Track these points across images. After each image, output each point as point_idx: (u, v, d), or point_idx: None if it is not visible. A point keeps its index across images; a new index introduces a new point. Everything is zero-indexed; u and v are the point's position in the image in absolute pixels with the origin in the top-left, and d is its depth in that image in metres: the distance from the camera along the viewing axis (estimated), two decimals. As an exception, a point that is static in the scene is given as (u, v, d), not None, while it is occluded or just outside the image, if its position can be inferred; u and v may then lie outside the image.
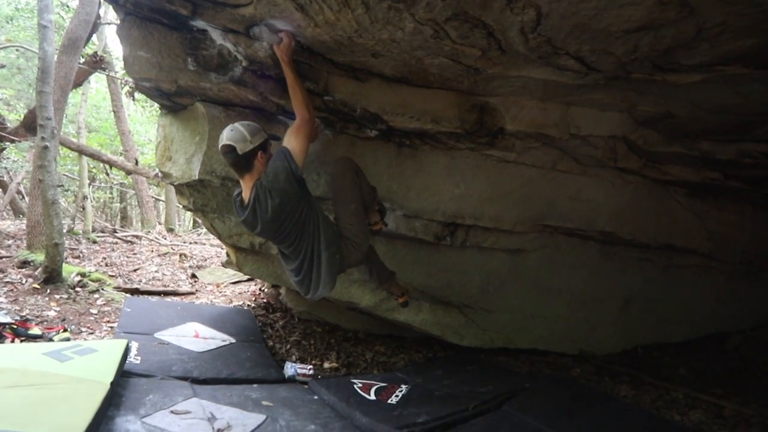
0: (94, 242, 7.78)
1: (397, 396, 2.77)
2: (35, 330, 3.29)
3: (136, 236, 9.06)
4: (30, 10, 7.97)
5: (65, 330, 3.43)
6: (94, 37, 8.22)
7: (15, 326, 3.21)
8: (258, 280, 5.50)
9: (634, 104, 2.58)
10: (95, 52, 7.57)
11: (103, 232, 9.26)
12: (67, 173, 11.25)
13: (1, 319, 3.18)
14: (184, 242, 9.28)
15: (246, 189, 2.12)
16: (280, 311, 4.61)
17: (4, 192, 9.48)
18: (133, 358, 2.85)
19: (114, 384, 2.16)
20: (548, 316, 3.92)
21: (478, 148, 2.94)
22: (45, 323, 3.60)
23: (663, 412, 2.90)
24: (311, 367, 3.29)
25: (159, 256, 7.44)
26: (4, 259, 5.16)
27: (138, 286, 5.29)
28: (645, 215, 3.60)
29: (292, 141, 2.07)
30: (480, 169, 3.05)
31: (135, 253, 7.48)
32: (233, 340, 3.56)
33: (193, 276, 6.32)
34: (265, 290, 5.30)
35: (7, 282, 4.41)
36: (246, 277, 5.72)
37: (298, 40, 2.07)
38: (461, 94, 2.60)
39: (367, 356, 3.86)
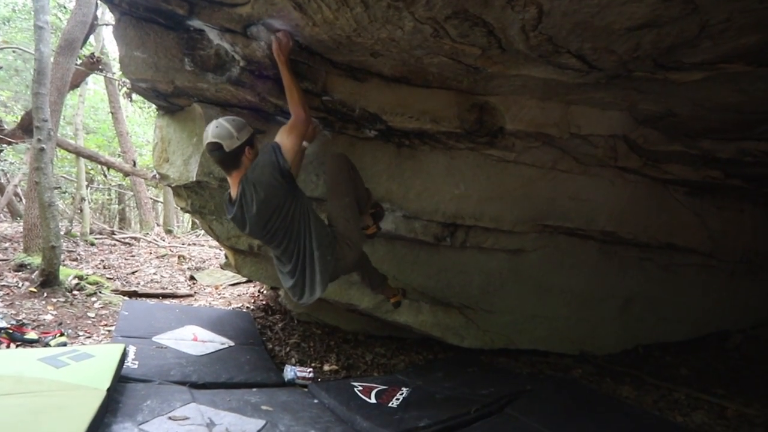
0: (92, 244, 7.74)
1: (398, 399, 2.74)
2: (31, 334, 3.26)
3: (135, 238, 9.02)
4: (27, 11, 7.93)
5: (62, 334, 3.40)
6: (92, 39, 8.19)
7: (11, 331, 3.17)
8: (257, 282, 5.47)
9: (635, 103, 2.56)
10: (92, 54, 7.53)
11: (101, 234, 9.22)
12: (65, 175, 11.20)
13: (-3, 323, 3.14)
14: (183, 244, 9.24)
15: (233, 186, 2.06)
16: (279, 313, 4.58)
17: (2, 194, 9.43)
18: (131, 363, 2.81)
19: (110, 390, 2.12)
20: (549, 317, 3.90)
21: (478, 147, 2.92)
22: (41, 327, 3.56)
23: (666, 414, 2.88)
24: (311, 369, 3.26)
25: (157, 258, 7.40)
26: (0, 263, 5.12)
27: (136, 289, 5.26)
28: (645, 214, 3.59)
29: (283, 137, 2.01)
30: (480, 169, 3.03)
31: (133, 255, 7.44)
32: (232, 344, 3.53)
33: (192, 278, 6.28)
34: (264, 292, 5.27)
35: (3, 285, 4.37)
36: (245, 279, 5.69)
37: (297, 40, 2.05)
38: (461, 94, 2.58)
39: (367, 358, 3.83)
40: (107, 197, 14.66)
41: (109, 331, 3.75)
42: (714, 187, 3.56)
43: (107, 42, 10.23)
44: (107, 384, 2.12)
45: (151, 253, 7.78)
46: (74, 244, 7.39)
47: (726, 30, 1.54)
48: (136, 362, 2.87)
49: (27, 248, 5.27)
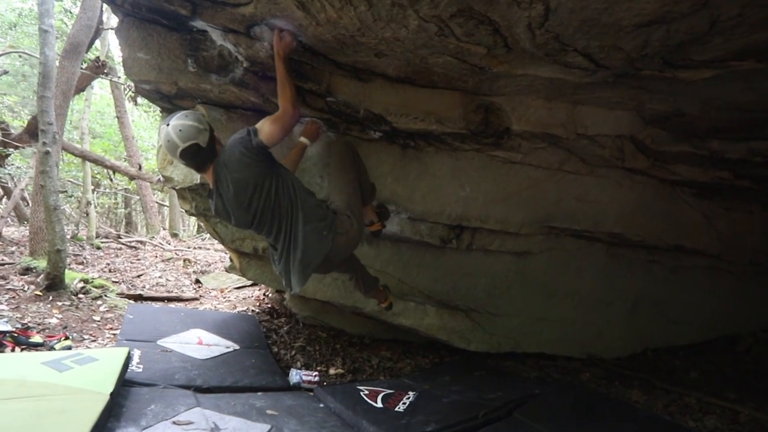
0: (98, 248, 7.77)
1: (404, 403, 2.71)
2: (36, 338, 3.25)
3: (140, 242, 9.05)
4: (33, 16, 7.99)
5: (67, 338, 3.39)
6: (97, 43, 8.24)
7: (15, 334, 3.17)
8: (262, 285, 5.46)
9: (643, 102, 2.52)
10: (98, 58, 7.58)
11: (107, 237, 9.26)
12: (71, 179, 11.27)
13: (2, 327, 3.14)
14: (188, 247, 9.26)
15: (209, 176, 1.96)
16: (284, 316, 4.57)
17: (9, 198, 9.49)
18: (135, 367, 2.80)
19: (114, 395, 2.11)
20: (556, 320, 3.86)
21: (484, 149, 2.89)
22: (46, 331, 3.56)
23: (677, 418, 2.82)
24: (317, 373, 3.24)
25: (163, 261, 7.42)
26: (6, 266, 5.15)
27: (141, 292, 5.27)
28: (653, 216, 3.54)
29: (264, 124, 1.91)
30: (485, 170, 3.00)
31: (139, 259, 7.46)
32: (237, 347, 3.51)
33: (197, 281, 6.29)
34: (270, 295, 5.25)
35: (9, 289, 4.38)
36: (250, 282, 5.69)
37: (300, 40, 2.03)
38: (466, 94, 2.55)
39: (372, 362, 3.80)
40: (113, 201, 14.73)
41: (114, 334, 3.75)
42: (722, 188, 3.51)
43: (113, 46, 10.31)
44: (111, 388, 2.11)
45: (156, 256, 7.80)
46: (80, 248, 7.42)
47: (737, 26, 1.51)
48: (141, 366, 2.86)
49: (33, 252, 5.28)
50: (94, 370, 2.32)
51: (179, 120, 1.83)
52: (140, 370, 2.81)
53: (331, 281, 3.47)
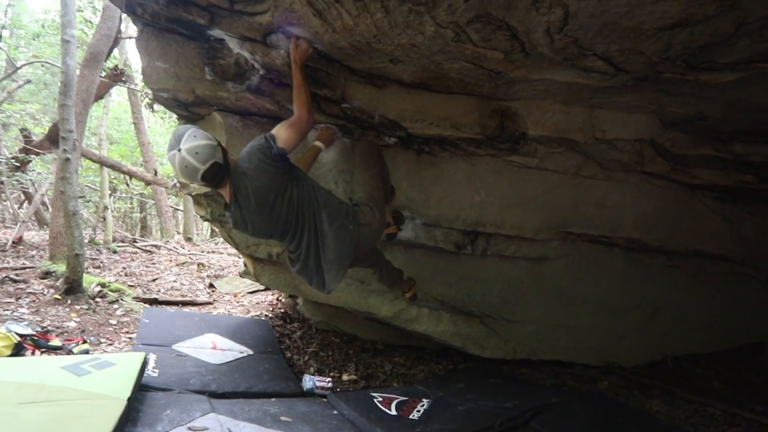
0: (115, 252, 7.89)
1: (418, 411, 2.68)
2: (55, 341, 3.31)
3: (155, 246, 9.17)
4: (56, 26, 8.20)
5: (84, 341, 3.44)
6: (115, 51, 8.42)
7: (36, 338, 3.22)
8: (275, 290, 5.48)
9: (663, 106, 2.47)
10: (116, 66, 7.74)
11: (123, 242, 9.40)
12: (89, 184, 11.49)
13: (22, 330, 3.20)
14: (202, 251, 9.35)
15: (226, 190, 1.92)
16: (297, 321, 4.57)
17: (30, 203, 9.71)
18: (151, 371, 2.82)
19: (131, 400, 2.12)
20: (572, 326, 3.80)
21: (499, 154, 2.86)
22: (65, 334, 3.62)
23: (700, 430, 2.75)
24: (330, 379, 3.22)
25: (177, 265, 7.49)
26: (27, 270, 5.25)
27: (157, 296, 5.32)
28: (673, 221, 3.46)
29: (280, 130, 1.90)
30: (501, 175, 2.97)
31: (154, 263, 7.55)
32: (251, 352, 3.52)
33: (211, 286, 6.33)
34: (283, 300, 5.27)
35: (30, 292, 4.47)
36: (263, 287, 5.71)
37: (315, 47, 2.04)
38: (482, 99, 2.53)
39: (386, 368, 3.78)
40: (129, 206, 14.97)
41: (130, 338, 3.79)
42: (746, 192, 3.42)
43: (130, 54, 10.52)
44: (128, 393, 2.13)
45: (171, 260, 7.88)
46: (97, 252, 7.54)
47: (765, 27, 1.47)
48: (156, 370, 2.88)
49: (52, 256, 5.38)
50: (112, 374, 2.34)
51: (191, 143, 1.74)
52: (156, 374, 2.83)
53: (344, 286, 3.47)
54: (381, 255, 2.64)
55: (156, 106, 8.45)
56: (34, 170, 8.60)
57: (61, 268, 4.93)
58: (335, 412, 2.72)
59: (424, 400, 2.86)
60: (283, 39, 2.00)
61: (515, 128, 2.64)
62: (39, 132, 9.15)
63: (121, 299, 4.73)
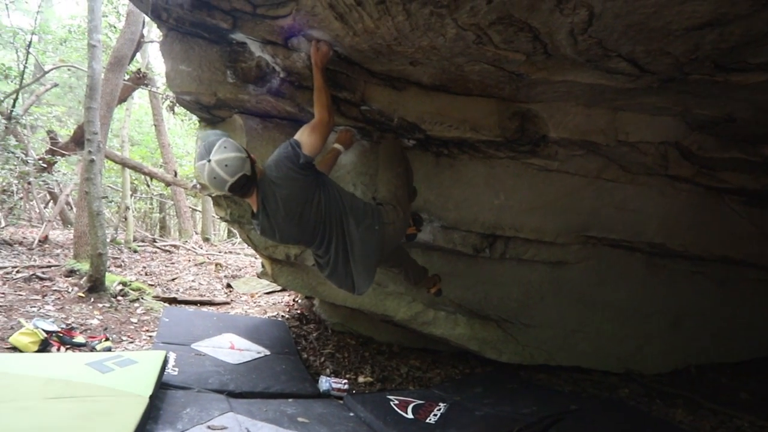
0: (135, 251, 8.04)
1: (435, 415, 2.66)
2: (79, 338, 3.38)
3: (174, 246, 9.33)
4: (81, 32, 8.43)
5: (107, 339, 3.51)
6: (138, 55, 8.60)
7: (61, 334, 3.31)
8: (291, 291, 5.52)
9: (690, 108, 2.41)
10: (139, 69, 7.91)
11: (143, 241, 9.58)
12: (111, 185, 11.76)
13: (49, 327, 3.28)
14: (220, 252, 9.47)
15: (253, 199, 1.94)
16: (313, 323, 4.59)
17: (55, 203, 9.98)
18: (171, 370, 2.87)
19: (153, 398, 2.16)
20: (592, 332, 3.73)
21: (519, 156, 2.83)
22: (88, 332, 3.70)
23: (727, 442, 2.66)
24: (346, 381, 3.23)
25: (196, 265, 7.61)
26: (53, 268, 5.39)
27: (176, 296, 5.41)
28: (698, 225, 3.38)
29: (303, 135, 1.90)
30: (521, 178, 2.94)
31: (173, 263, 7.68)
32: (268, 353, 3.55)
33: (228, 286, 6.41)
34: (299, 301, 5.30)
35: (55, 290, 4.59)
36: (280, 288, 5.75)
37: (336, 50, 2.05)
38: (502, 102, 2.51)
39: (402, 371, 3.76)
40: (149, 206, 15.27)
41: (150, 336, 3.86)
42: (775, 196, 3.31)
43: (152, 58, 10.75)
44: (150, 391, 2.16)
45: (189, 260, 8.01)
46: (119, 251, 7.70)
47: (801, 27, 1.42)
48: (176, 369, 2.92)
49: (77, 255, 5.52)
50: (134, 372, 2.39)
51: (221, 154, 1.76)
52: (176, 373, 2.88)
53: (361, 289, 3.47)
54: (406, 254, 2.64)
55: (176, 109, 8.61)
56: (59, 171, 8.84)
57: (84, 266, 5.05)
58: (351, 414, 2.72)
59: (441, 404, 2.84)
60: (303, 42, 2.02)
61: (536, 131, 2.61)
62: (64, 134, 9.41)
63: (142, 298, 4.81)
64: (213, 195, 3.23)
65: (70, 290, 4.64)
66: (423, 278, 2.75)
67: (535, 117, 2.57)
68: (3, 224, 7.57)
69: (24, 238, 7.28)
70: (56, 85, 9.14)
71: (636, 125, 2.62)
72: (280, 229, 1.98)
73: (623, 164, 2.96)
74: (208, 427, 2.16)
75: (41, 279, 4.85)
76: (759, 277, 3.76)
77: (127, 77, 6.98)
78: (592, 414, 2.77)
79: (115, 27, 7.93)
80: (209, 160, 1.76)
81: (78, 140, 7.09)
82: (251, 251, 8.76)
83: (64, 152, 7.68)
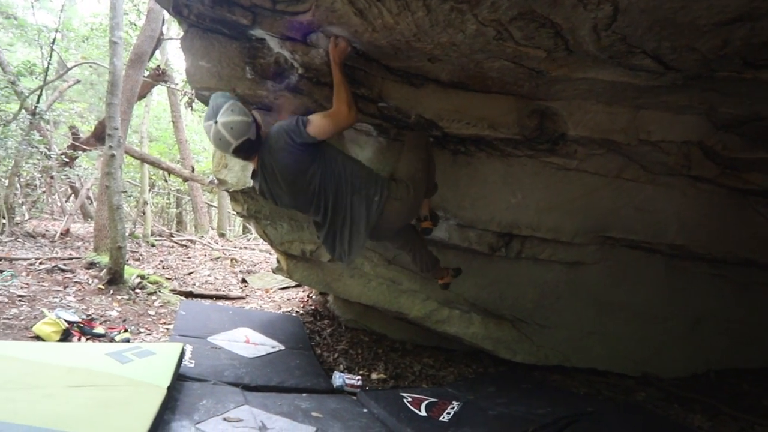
0: (153, 245, 8.19)
1: (449, 413, 2.65)
2: (99, 329, 3.46)
3: (191, 240, 9.47)
4: (103, 29, 8.59)
5: (126, 330, 3.59)
6: (157, 53, 8.73)
7: (82, 325, 3.39)
8: (306, 287, 5.55)
9: (715, 106, 2.35)
10: (158, 66, 8.04)
11: (160, 236, 9.75)
12: (130, 180, 11.99)
13: (70, 317, 3.36)
14: (235, 247, 9.58)
15: (255, 161, 2.01)
16: (327, 319, 4.62)
17: (76, 197, 10.22)
18: (188, 362, 2.91)
19: (170, 388, 2.19)
20: (608, 334, 3.67)
21: (537, 155, 2.80)
22: (108, 323, 3.78)
23: (748, 448, 2.60)
24: (359, 377, 3.24)
25: (211, 260, 7.71)
26: (74, 260, 5.52)
27: (192, 290, 5.49)
28: (721, 227, 3.29)
29: (317, 116, 1.93)
30: (538, 177, 2.90)
31: (189, 257, 7.80)
32: (282, 347, 3.58)
33: (244, 281, 6.48)
34: (313, 297, 5.33)
35: (76, 282, 4.70)
36: (294, 284, 5.80)
37: (354, 46, 2.05)
38: (521, 99, 2.48)
39: (415, 368, 3.76)
40: (166, 201, 15.52)
41: (167, 329, 3.92)
42: (804, 198, 3.21)
43: (170, 55, 10.90)
44: (168, 382, 2.20)
45: (205, 255, 8.12)
46: (137, 245, 7.85)
47: (838, 22, 1.37)
48: (193, 361, 2.97)
49: (97, 248, 5.64)
50: (152, 363, 2.43)
51: (227, 117, 1.82)
52: (192, 365, 2.92)
53: (376, 285, 3.48)
54: (419, 239, 2.58)
55: (194, 105, 8.72)
56: (80, 166, 9.04)
57: (104, 259, 5.16)
58: (365, 410, 2.73)
59: (455, 403, 2.83)
60: (322, 38, 2.02)
61: (555, 129, 2.57)
62: (86, 130, 9.61)
63: (159, 291, 4.90)
64: (230, 190, 3.26)
65: (90, 282, 4.75)
66: (434, 267, 2.69)
67: (554, 115, 2.53)
68: (27, 217, 7.78)
69: (46, 230, 7.47)
70: (78, 81, 9.34)
71: (658, 124, 2.56)
72: (274, 193, 2.04)
73: (644, 164, 2.90)
74: (224, 419, 2.19)
75: (63, 271, 4.97)
76: (783, 281, 3.66)
77: (146, 74, 7.10)
78: (608, 416, 2.73)
79: (135, 25, 8.07)
80: (216, 122, 1.82)
81: (99, 136, 7.24)
82: (266, 247, 8.86)
83: (85, 147, 7.85)
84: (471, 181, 2.89)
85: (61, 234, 7.17)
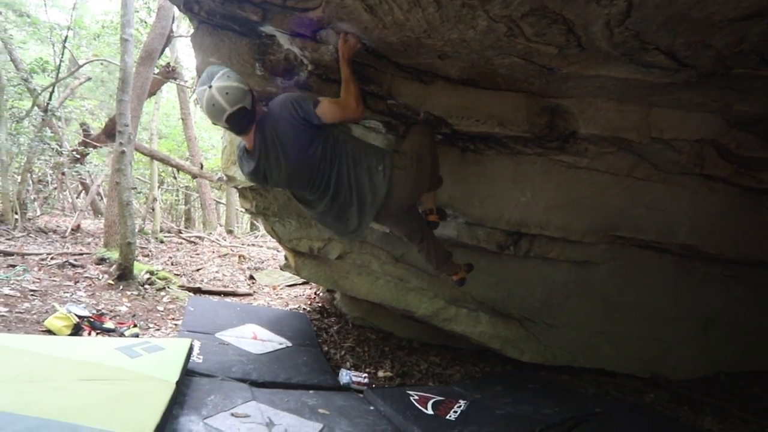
0: (162, 242, 8.26)
1: (455, 412, 2.64)
2: (109, 324, 3.49)
3: (199, 237, 9.53)
4: (114, 27, 8.67)
5: (135, 325, 3.62)
6: (167, 50, 8.79)
7: (92, 320, 3.42)
8: (313, 284, 5.57)
9: (729, 104, 2.31)
10: (168, 63, 8.09)
11: (169, 232, 9.83)
12: (139, 177, 12.09)
13: (81, 312, 3.40)
14: (243, 244, 9.63)
15: (249, 137, 1.91)
16: (334, 316, 4.62)
17: (87, 193, 10.33)
18: (196, 357, 2.93)
19: (179, 383, 2.21)
20: (617, 334, 3.64)
21: (547, 153, 2.78)
22: (117, 318, 3.82)
23: (760, 452, 2.57)
24: (366, 375, 3.24)
25: (219, 257, 7.76)
26: (84, 256, 5.58)
27: (200, 286, 5.52)
28: (733, 228, 3.25)
29: (326, 101, 1.90)
30: (548, 175, 2.88)
31: (198, 254, 7.85)
32: (290, 344, 3.59)
33: (251, 278, 6.51)
34: (320, 294, 5.34)
35: (87, 277, 4.75)
36: (301, 281, 5.82)
37: (364, 43, 2.04)
38: (531, 96, 2.46)
39: (421, 367, 3.76)
40: (175, 198, 15.64)
41: (176, 324, 3.95)
42: (819, 198, 3.16)
43: (180, 52, 10.96)
44: (176, 377, 2.21)
45: (213, 252, 8.17)
46: (146, 241, 7.92)
47: None
48: (201, 357, 2.98)
49: (107, 243, 5.70)
50: (161, 358, 2.45)
51: (223, 81, 1.73)
52: (200, 360, 2.94)
53: (384, 283, 3.48)
54: (425, 227, 2.50)
55: (203, 103, 8.75)
56: (91, 162, 9.13)
57: (114, 255, 5.21)
58: (372, 407, 2.73)
59: (461, 401, 2.82)
60: (332, 35, 2.02)
61: (565, 126, 2.55)
62: (96, 126, 9.71)
63: (168, 287, 4.94)
64: (239, 187, 3.28)
65: (100, 277, 4.79)
66: (446, 263, 2.61)
67: (565, 112, 2.51)
68: (39, 213, 7.88)
69: (57, 226, 7.56)
70: (89, 78, 9.43)
71: (671, 122, 2.53)
72: (269, 171, 1.96)
73: (655, 162, 2.87)
74: (232, 415, 2.20)
75: (74, 266, 5.03)
76: (797, 283, 3.60)
77: (156, 71, 7.15)
78: (617, 417, 2.71)
79: (145, 22, 8.12)
80: (210, 86, 1.73)
81: (109, 132, 7.31)
82: (273, 244, 8.89)
83: (96, 144, 7.93)
84: (480, 179, 2.87)
85: (72, 230, 7.25)
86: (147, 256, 6.89)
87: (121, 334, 3.42)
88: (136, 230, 6.11)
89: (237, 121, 1.80)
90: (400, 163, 2.05)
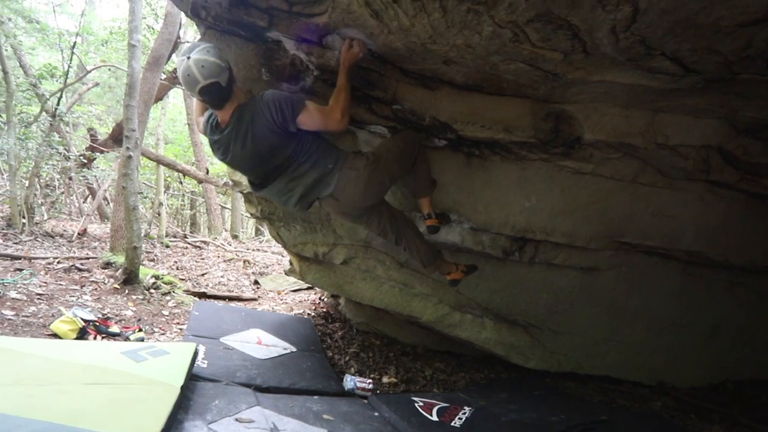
0: (167, 246, 8.29)
1: (460, 419, 2.63)
2: (114, 328, 3.51)
3: (204, 242, 9.56)
4: (121, 33, 8.77)
5: (140, 330, 3.63)
6: (174, 56, 8.87)
7: (97, 324, 3.43)
8: (317, 289, 5.57)
9: (736, 109, 2.31)
10: (175, 69, 8.14)
11: (174, 237, 9.86)
12: (145, 182, 12.16)
13: (87, 316, 3.41)
14: (248, 249, 9.65)
15: (224, 113, 1.97)
16: (339, 321, 4.62)
17: (93, 198, 10.40)
18: (201, 362, 2.93)
19: (184, 388, 2.21)
20: (623, 341, 3.61)
21: (552, 158, 2.77)
22: (123, 322, 3.83)
23: (769, 461, 2.53)
24: (370, 380, 3.23)
25: (224, 261, 7.78)
26: (90, 260, 5.61)
27: (205, 290, 5.54)
28: (740, 234, 3.22)
29: (311, 108, 1.98)
30: (553, 181, 2.87)
31: (203, 258, 7.87)
32: (294, 349, 3.59)
33: (256, 282, 6.52)
34: (325, 299, 5.34)
35: (93, 281, 4.77)
36: (306, 286, 5.82)
37: (369, 48, 2.06)
38: (536, 102, 2.46)
39: (426, 373, 3.74)
40: (181, 203, 15.71)
41: (180, 329, 3.96)
42: (827, 205, 3.13)
43: (187, 59, 11.03)
44: (181, 381, 2.22)
45: (218, 256, 8.19)
46: (152, 246, 7.95)
47: None
48: (206, 361, 2.99)
49: (113, 248, 5.73)
50: (166, 362, 2.45)
51: (201, 54, 1.79)
52: (205, 365, 2.94)
53: (388, 288, 3.47)
54: (406, 226, 2.47)
55: (209, 108, 8.82)
56: (97, 167, 9.20)
57: (120, 259, 5.24)
58: (376, 413, 2.72)
59: (466, 408, 2.80)
60: (338, 40, 2.04)
61: (570, 132, 2.54)
62: (104, 132, 9.79)
63: (173, 291, 4.96)
64: (245, 192, 3.29)
65: (106, 282, 4.82)
66: (435, 262, 2.58)
67: (570, 118, 2.50)
68: (46, 217, 7.94)
69: (64, 230, 7.61)
70: (97, 84, 9.53)
71: (677, 127, 2.52)
72: (234, 154, 2.03)
73: (661, 168, 2.86)
74: (236, 420, 2.19)
75: (80, 270, 5.06)
76: (806, 290, 3.56)
77: (163, 76, 7.21)
78: (623, 425, 2.68)
79: (153, 28, 8.22)
80: (188, 57, 1.79)
81: (116, 137, 7.37)
82: (278, 249, 8.91)
83: (102, 149, 7.99)
84: (485, 185, 2.87)
85: (79, 234, 7.30)
86: (153, 260, 6.93)
87: (127, 339, 3.43)
88: (142, 235, 6.15)
89: (209, 95, 1.87)
90: (353, 164, 2.11)
